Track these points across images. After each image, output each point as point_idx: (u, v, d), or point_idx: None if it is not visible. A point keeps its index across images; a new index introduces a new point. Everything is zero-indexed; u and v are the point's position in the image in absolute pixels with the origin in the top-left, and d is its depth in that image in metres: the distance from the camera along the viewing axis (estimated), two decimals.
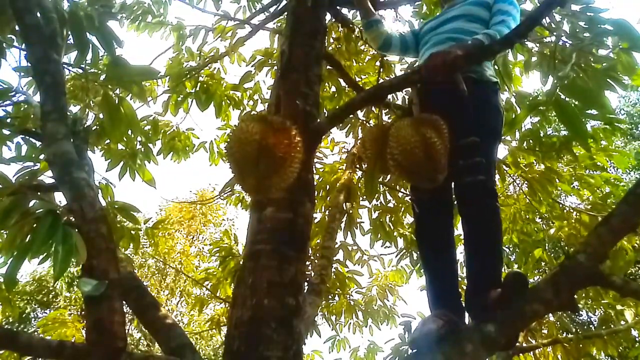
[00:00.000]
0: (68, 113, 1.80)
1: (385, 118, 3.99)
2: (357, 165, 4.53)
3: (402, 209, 4.51)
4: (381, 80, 4.14)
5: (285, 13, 3.55)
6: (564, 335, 4.47)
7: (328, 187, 4.50)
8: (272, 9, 4.17)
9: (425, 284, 2.04)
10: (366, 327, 5.20)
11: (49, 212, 1.44)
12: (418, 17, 4.28)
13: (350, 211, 4.30)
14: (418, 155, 1.69)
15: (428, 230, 2.06)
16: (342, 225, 4.31)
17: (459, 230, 3.07)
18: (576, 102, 1.54)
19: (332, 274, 4.32)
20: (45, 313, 10.58)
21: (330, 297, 4.89)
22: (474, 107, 1.93)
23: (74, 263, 1.41)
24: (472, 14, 2.26)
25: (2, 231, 1.99)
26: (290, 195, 1.80)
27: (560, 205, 4.27)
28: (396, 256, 4.86)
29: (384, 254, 5.07)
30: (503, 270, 1.89)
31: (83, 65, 2.21)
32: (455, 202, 2.05)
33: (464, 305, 1.86)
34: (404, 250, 4.73)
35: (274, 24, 4.32)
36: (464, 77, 1.82)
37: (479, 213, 1.91)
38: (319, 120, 2.17)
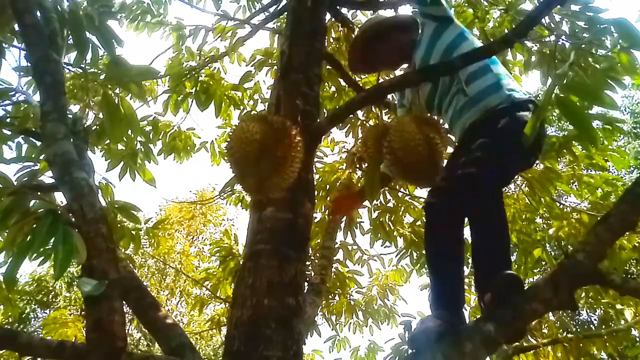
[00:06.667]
0: (68, 113, 1.80)
1: (385, 118, 3.99)
2: (357, 165, 4.53)
3: (402, 208, 4.50)
4: (381, 80, 4.15)
5: (285, 13, 3.56)
6: (564, 334, 4.47)
7: (328, 187, 4.50)
8: (272, 9, 4.17)
9: (429, 287, 2.00)
10: (366, 326, 5.20)
11: (49, 212, 1.44)
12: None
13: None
14: (421, 154, 1.68)
15: (437, 235, 1.99)
16: (342, 225, 4.31)
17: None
18: (579, 101, 1.53)
19: (332, 274, 4.32)
20: (45, 313, 10.58)
21: (330, 297, 4.89)
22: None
23: (74, 263, 1.41)
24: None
25: (2, 231, 1.99)
26: (290, 195, 1.80)
27: (560, 206, 4.27)
28: (396, 256, 4.86)
29: (384, 254, 5.07)
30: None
31: (83, 65, 2.21)
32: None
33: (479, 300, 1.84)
34: (404, 250, 4.73)
35: (274, 24, 4.32)
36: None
37: (477, 205, 1.90)
38: (319, 120, 2.18)
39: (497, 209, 1.92)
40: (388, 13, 4.29)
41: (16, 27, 2.07)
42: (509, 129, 1.97)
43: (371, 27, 2.51)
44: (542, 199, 3.99)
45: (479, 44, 2.29)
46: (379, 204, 4.56)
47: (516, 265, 4.19)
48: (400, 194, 4.46)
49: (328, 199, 4.40)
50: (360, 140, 4.54)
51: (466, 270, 4.80)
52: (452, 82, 2.23)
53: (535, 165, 3.89)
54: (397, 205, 4.52)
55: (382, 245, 4.62)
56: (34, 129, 2.22)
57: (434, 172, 1.74)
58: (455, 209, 1.97)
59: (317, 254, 3.85)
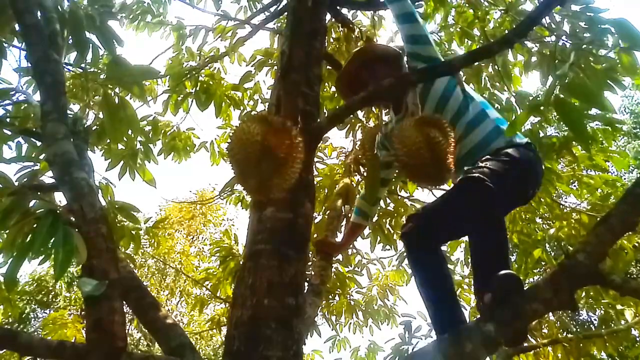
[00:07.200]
0: (68, 113, 1.80)
1: (385, 118, 3.99)
2: (356, 169, 4.52)
3: (402, 211, 4.49)
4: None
5: (285, 13, 3.56)
6: (564, 334, 4.46)
7: (327, 189, 4.50)
8: (272, 9, 4.17)
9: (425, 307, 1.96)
10: (366, 327, 5.20)
11: (49, 212, 1.44)
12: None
13: (349, 214, 4.29)
14: (423, 156, 1.69)
15: (420, 260, 1.95)
16: (342, 227, 4.30)
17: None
18: (577, 102, 1.54)
19: (332, 274, 4.31)
20: (45, 313, 10.57)
21: (330, 297, 4.88)
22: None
23: (74, 263, 1.41)
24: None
25: (2, 231, 1.99)
26: (290, 195, 1.80)
27: (560, 206, 4.26)
28: (396, 259, 4.86)
29: (383, 257, 5.06)
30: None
31: (83, 65, 2.21)
32: None
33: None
34: (404, 253, 4.72)
35: (274, 24, 4.32)
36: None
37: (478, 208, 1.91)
38: (319, 120, 2.18)
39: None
40: (388, 13, 4.30)
41: (16, 27, 2.07)
42: (510, 153, 2.00)
43: (360, 57, 2.44)
44: (542, 199, 3.99)
45: (466, 89, 2.27)
46: (378, 207, 4.56)
47: (516, 266, 4.19)
48: (399, 197, 4.45)
49: (326, 203, 4.40)
50: (359, 144, 4.54)
51: (466, 271, 4.82)
52: None
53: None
54: (397, 209, 4.51)
55: (382, 249, 4.62)
56: (34, 129, 2.22)
57: (440, 170, 1.74)
58: (432, 233, 1.94)
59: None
